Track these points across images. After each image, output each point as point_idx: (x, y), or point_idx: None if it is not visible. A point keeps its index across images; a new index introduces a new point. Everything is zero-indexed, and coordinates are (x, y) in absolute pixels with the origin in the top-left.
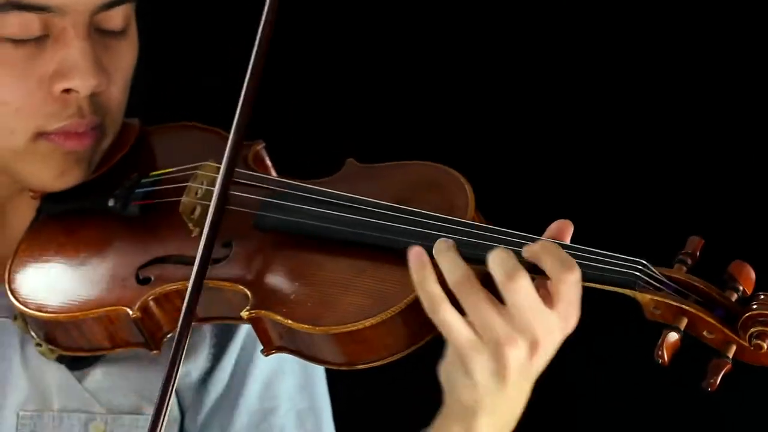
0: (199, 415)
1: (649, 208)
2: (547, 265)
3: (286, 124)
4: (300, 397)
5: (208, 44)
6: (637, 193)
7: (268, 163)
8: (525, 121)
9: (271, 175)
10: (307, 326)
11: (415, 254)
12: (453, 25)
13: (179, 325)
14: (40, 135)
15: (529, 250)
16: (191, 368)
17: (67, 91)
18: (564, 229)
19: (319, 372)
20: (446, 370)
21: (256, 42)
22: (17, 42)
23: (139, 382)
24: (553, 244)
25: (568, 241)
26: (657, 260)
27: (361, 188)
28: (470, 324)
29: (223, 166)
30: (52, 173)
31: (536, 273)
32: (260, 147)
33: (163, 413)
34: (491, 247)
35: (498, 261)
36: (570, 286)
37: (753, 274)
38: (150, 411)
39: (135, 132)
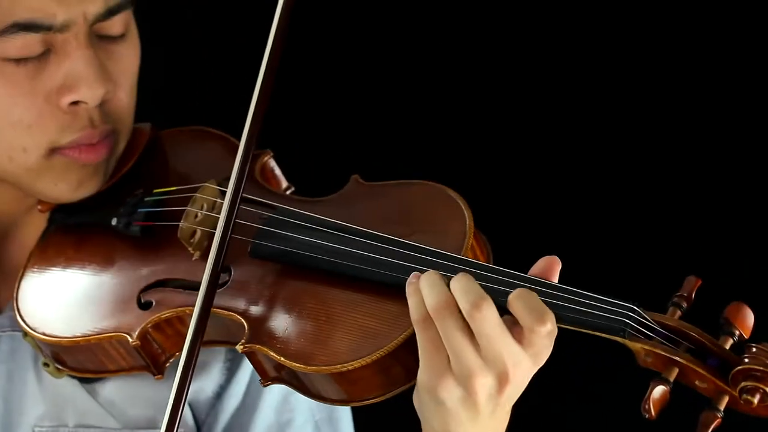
0: (215, 430)
1: (645, 241)
2: (519, 313)
3: (294, 133)
4: (318, 409)
5: (219, 47)
6: (633, 225)
7: (278, 172)
8: (522, 141)
9: (280, 186)
10: (298, 365)
11: (412, 285)
12: (461, 35)
13: (185, 351)
14: (53, 150)
15: (507, 299)
16: (205, 384)
17: (75, 103)
18: (551, 266)
19: None
20: (419, 398)
21: (263, 66)
22: (20, 61)
23: (152, 394)
24: (527, 292)
25: (556, 279)
26: (652, 300)
27: (361, 210)
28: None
29: (226, 200)
30: (70, 186)
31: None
32: (268, 158)
33: None
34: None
35: (462, 289)
36: (541, 337)
37: (751, 318)
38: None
39: (145, 137)
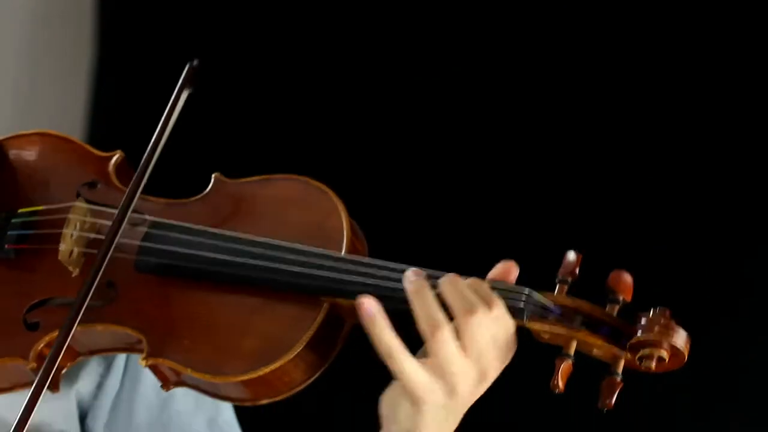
0: (101, 419)
1: (520, 222)
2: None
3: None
4: None
5: None
6: (510, 208)
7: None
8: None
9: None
10: (207, 376)
11: (366, 308)
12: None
13: (42, 370)
14: None
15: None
16: (80, 386)
17: None
18: (509, 270)
19: None
20: (392, 402)
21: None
22: None
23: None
24: (457, 280)
25: (513, 282)
26: (536, 281)
27: (232, 212)
28: (424, 363)
29: (112, 226)
30: None
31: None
32: (121, 158)
33: None
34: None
35: (456, 294)
36: (493, 320)
37: (630, 281)
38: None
39: None
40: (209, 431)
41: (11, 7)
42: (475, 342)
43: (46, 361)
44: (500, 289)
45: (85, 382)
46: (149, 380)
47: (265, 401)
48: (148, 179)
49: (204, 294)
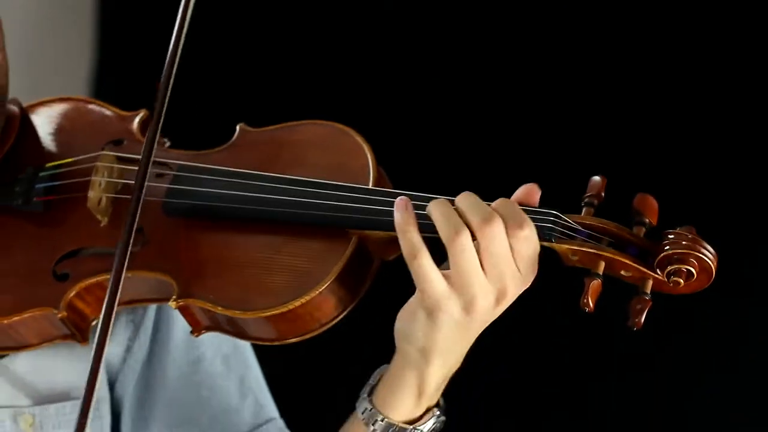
0: (129, 384)
1: (549, 152)
2: (506, 216)
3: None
4: (222, 341)
5: None
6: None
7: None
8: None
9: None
10: (237, 312)
11: (401, 202)
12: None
13: (101, 318)
14: None
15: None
16: (113, 347)
17: None
18: (531, 192)
19: None
20: (409, 317)
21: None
22: None
23: (66, 367)
24: (506, 200)
25: (536, 205)
26: (564, 206)
27: (257, 156)
28: (445, 275)
29: (141, 164)
30: None
31: None
32: (145, 115)
33: (90, 402)
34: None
35: (471, 206)
36: (522, 241)
37: (655, 205)
38: (77, 396)
39: (17, 118)
40: (240, 390)
41: (11, 8)
42: (493, 255)
43: (103, 310)
44: (529, 210)
45: (113, 346)
46: (178, 342)
47: (294, 339)
48: (173, 137)
49: (231, 234)
